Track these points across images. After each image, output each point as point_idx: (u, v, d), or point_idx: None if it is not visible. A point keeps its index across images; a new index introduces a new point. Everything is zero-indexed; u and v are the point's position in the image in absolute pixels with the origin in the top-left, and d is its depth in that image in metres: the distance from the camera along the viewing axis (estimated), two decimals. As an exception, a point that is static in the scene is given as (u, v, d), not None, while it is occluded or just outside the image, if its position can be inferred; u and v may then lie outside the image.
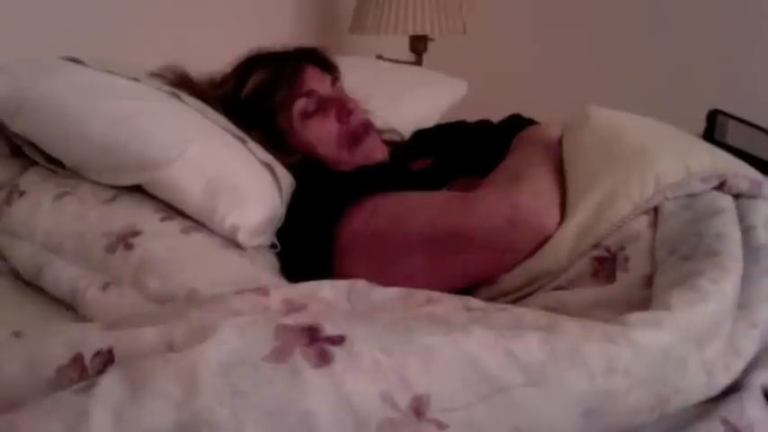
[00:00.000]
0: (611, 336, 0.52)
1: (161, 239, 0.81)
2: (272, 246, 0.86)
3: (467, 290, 0.77)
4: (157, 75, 1.06)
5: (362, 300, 0.64)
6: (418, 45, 1.87)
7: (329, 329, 0.51)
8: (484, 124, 1.20)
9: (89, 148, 0.85)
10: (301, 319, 0.53)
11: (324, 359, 0.49)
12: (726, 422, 0.54)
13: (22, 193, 0.89)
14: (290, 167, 0.99)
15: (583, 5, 2.09)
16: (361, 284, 0.66)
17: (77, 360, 0.53)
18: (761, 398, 0.56)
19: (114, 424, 0.45)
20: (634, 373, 0.52)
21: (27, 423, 0.46)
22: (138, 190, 0.86)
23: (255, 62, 1.10)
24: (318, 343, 0.50)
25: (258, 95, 1.06)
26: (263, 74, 1.08)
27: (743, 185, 0.74)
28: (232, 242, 0.83)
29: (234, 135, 0.95)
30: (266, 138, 1.02)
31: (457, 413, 0.48)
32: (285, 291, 0.64)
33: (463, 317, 0.57)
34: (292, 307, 0.61)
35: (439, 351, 0.50)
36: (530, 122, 1.10)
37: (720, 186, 0.74)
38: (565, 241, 0.73)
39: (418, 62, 1.89)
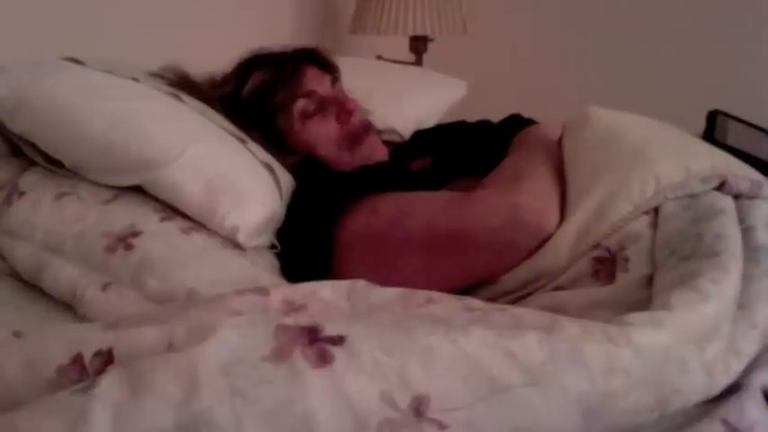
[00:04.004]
0: (611, 336, 0.52)
1: (161, 239, 0.81)
2: (272, 246, 0.86)
3: (467, 290, 0.77)
4: (157, 75, 1.06)
5: (362, 300, 0.64)
6: (418, 45, 1.87)
7: (329, 329, 0.51)
8: (484, 124, 1.21)
9: (89, 149, 0.85)
10: (301, 319, 0.53)
11: (324, 359, 0.49)
12: (725, 423, 0.53)
13: (21, 194, 0.89)
14: (289, 168, 1.00)
15: (583, 6, 2.09)
16: (361, 285, 0.66)
17: (77, 360, 0.53)
18: (761, 398, 0.56)
19: (114, 424, 0.45)
20: (634, 374, 0.52)
21: (27, 423, 0.46)
22: (137, 190, 0.86)
23: (255, 62, 1.10)
24: (318, 343, 0.50)
25: (258, 96, 1.07)
26: (263, 74, 1.08)
27: (743, 186, 0.74)
28: (232, 242, 0.83)
29: (234, 135, 0.95)
30: (266, 138, 1.02)
31: (457, 413, 0.48)
32: (285, 291, 0.64)
33: (463, 317, 0.57)
34: (292, 307, 0.61)
35: (439, 351, 0.50)
36: (529, 122, 1.10)
37: (720, 187, 0.74)
38: (565, 241, 0.73)
39: (418, 62, 1.89)
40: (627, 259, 0.69)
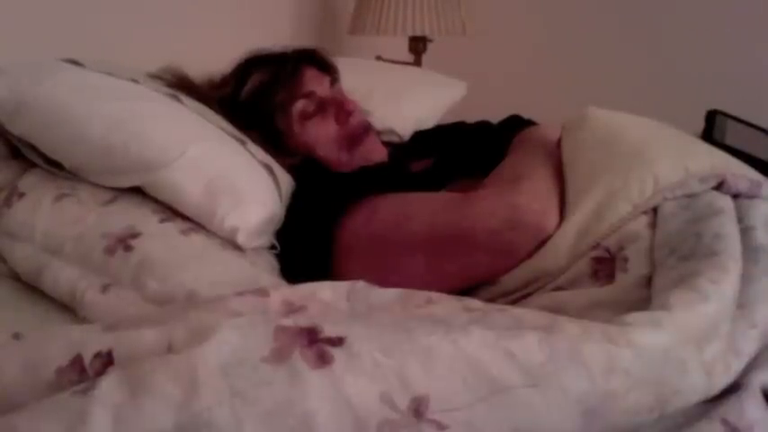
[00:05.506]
0: (611, 336, 0.52)
1: (160, 241, 0.81)
2: (272, 247, 0.86)
3: (466, 290, 0.77)
4: (156, 76, 1.07)
5: (362, 301, 0.64)
6: (417, 46, 1.87)
7: (328, 330, 0.51)
8: (483, 125, 1.21)
9: (88, 150, 0.85)
10: (301, 320, 0.53)
11: (323, 360, 0.49)
12: (725, 422, 0.53)
13: (21, 195, 0.89)
14: (289, 169, 1.00)
15: (582, 6, 2.09)
16: (360, 285, 0.66)
17: (77, 361, 0.53)
18: (760, 398, 0.56)
19: (114, 425, 0.45)
20: (634, 374, 0.52)
21: (27, 424, 0.46)
22: (137, 191, 0.86)
23: (255, 63, 1.11)
24: (318, 344, 0.50)
25: (257, 97, 1.07)
26: (263, 75, 1.08)
27: (742, 186, 0.74)
28: (231, 243, 0.83)
29: (233, 136, 0.95)
30: (265, 139, 1.02)
31: (456, 413, 0.48)
32: (285, 292, 0.64)
33: (463, 318, 0.57)
34: (292, 308, 0.61)
35: (438, 351, 0.50)
36: (529, 123, 1.10)
37: (719, 186, 0.74)
38: (564, 241, 0.73)
39: (417, 63, 1.89)
40: (626, 259, 0.69)
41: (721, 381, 0.56)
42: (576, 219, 0.73)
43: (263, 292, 0.63)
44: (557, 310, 0.63)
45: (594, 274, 0.71)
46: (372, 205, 0.83)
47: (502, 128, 1.14)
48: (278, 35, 1.26)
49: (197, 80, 1.10)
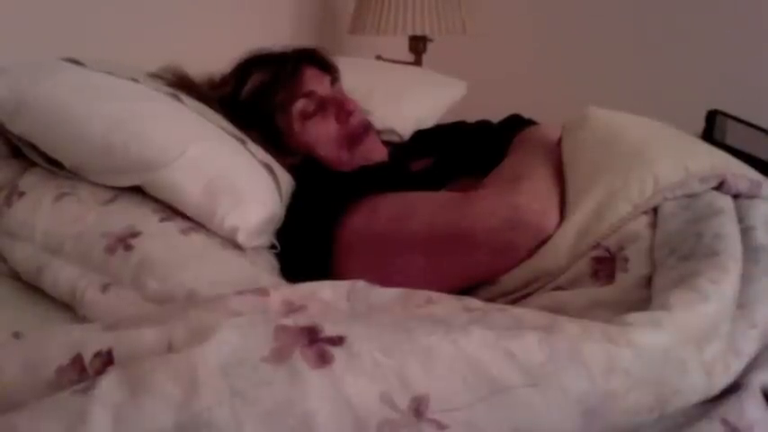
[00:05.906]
0: (611, 336, 0.52)
1: (160, 240, 0.81)
2: (272, 246, 0.86)
3: (466, 290, 0.77)
4: (157, 76, 1.06)
5: (362, 300, 0.64)
6: (417, 45, 1.87)
7: (329, 330, 0.51)
8: (483, 125, 1.21)
9: (88, 149, 0.85)
10: (301, 319, 0.53)
11: (323, 360, 0.49)
12: (725, 422, 0.53)
13: (21, 194, 0.89)
14: (289, 168, 1.00)
15: (582, 6, 2.09)
16: (360, 285, 0.66)
17: (77, 361, 0.53)
18: (760, 398, 0.56)
19: (114, 424, 0.45)
20: (634, 374, 0.52)
21: (27, 423, 0.46)
22: (137, 191, 0.86)
23: (255, 63, 1.11)
24: (318, 343, 0.50)
25: (257, 96, 1.07)
26: (263, 75, 1.08)
27: (742, 186, 0.74)
28: (231, 243, 0.83)
29: (233, 136, 0.95)
30: (265, 138, 1.02)
31: (456, 413, 0.48)
32: (285, 291, 0.64)
33: (463, 317, 0.57)
34: (292, 308, 0.61)
35: (438, 351, 0.50)
36: (529, 123, 1.10)
37: (719, 186, 0.74)
38: (564, 241, 0.73)
39: (417, 62, 1.89)
40: (626, 259, 0.69)
41: (721, 381, 0.56)
42: (577, 219, 0.73)
43: (263, 292, 0.63)
44: (557, 310, 0.63)
45: (595, 273, 0.71)
46: (372, 204, 0.83)
47: (502, 128, 1.14)
48: (278, 35, 1.26)
49: (197, 80, 1.10)
